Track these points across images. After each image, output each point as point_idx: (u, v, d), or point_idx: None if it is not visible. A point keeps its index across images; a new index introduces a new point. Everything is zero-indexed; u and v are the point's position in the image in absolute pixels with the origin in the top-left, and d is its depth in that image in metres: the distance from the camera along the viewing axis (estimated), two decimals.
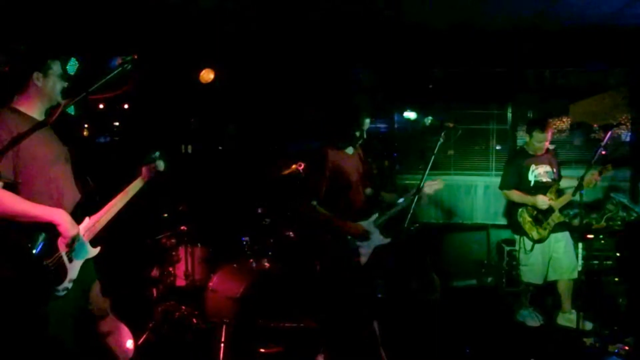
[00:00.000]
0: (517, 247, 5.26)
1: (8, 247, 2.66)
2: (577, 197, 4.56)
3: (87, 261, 3.00)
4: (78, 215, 2.92)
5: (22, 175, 2.68)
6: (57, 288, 2.77)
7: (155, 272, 5.00)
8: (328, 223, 3.81)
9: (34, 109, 2.83)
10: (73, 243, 2.82)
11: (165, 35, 5.91)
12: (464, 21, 5.62)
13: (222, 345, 4.24)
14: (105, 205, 3.13)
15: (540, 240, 5.07)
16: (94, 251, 3.04)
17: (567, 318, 5.12)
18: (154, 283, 4.99)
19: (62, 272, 2.79)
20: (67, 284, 2.81)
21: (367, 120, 3.96)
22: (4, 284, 2.64)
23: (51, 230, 2.73)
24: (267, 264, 4.78)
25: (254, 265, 4.76)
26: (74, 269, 2.86)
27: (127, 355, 3.69)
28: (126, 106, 5.83)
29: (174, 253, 5.00)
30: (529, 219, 5.09)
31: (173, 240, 4.99)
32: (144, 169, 3.39)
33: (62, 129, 4.52)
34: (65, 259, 2.80)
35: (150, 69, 4.76)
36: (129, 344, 3.72)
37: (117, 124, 5.93)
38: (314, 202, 3.80)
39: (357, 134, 3.93)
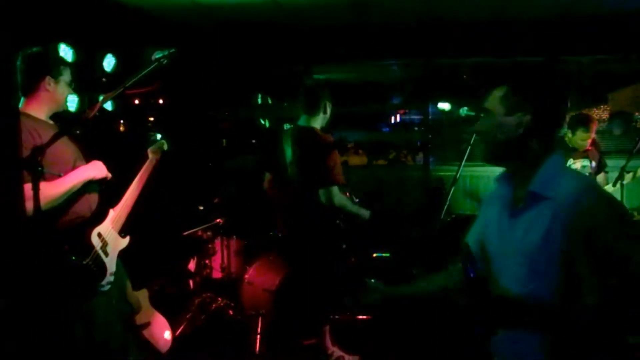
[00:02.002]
0: None
1: (48, 259, 2.65)
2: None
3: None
4: (102, 210, 2.97)
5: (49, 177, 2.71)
6: (100, 283, 2.81)
7: (192, 265, 5.07)
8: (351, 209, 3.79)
9: (41, 114, 2.83)
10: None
11: (198, 32, 5.97)
12: (497, 10, 5.53)
13: (259, 336, 4.27)
14: (123, 195, 3.16)
15: None
16: (124, 241, 3.06)
17: None
18: (191, 275, 5.06)
19: (103, 267, 2.83)
20: (110, 277, 2.85)
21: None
22: (53, 290, 2.69)
23: (80, 230, 2.79)
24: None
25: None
26: (112, 262, 2.90)
27: (166, 346, 3.76)
28: (161, 101, 5.88)
29: (210, 246, 5.06)
30: None
31: (209, 233, 5.04)
32: (150, 152, 3.42)
33: (99, 124, 4.61)
34: (101, 253, 2.83)
35: (185, 63, 4.80)
36: (167, 335, 3.79)
37: (152, 119, 5.99)
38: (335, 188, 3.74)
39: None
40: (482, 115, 1.83)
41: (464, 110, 3.71)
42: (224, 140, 7.08)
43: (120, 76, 4.59)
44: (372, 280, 2.12)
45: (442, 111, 6.54)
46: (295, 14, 5.62)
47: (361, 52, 6.52)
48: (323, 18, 5.79)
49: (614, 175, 4.83)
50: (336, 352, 4.02)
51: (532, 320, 1.60)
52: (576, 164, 5.01)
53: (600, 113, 6.67)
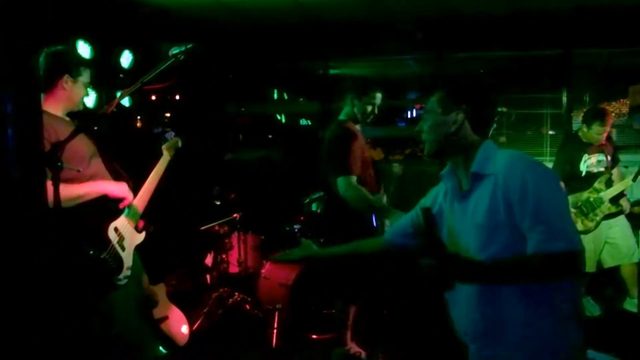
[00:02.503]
0: None
1: (66, 252, 2.67)
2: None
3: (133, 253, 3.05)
4: (118, 206, 2.97)
5: (66, 173, 2.74)
6: (118, 277, 2.83)
7: (209, 260, 5.11)
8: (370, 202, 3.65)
9: (58, 111, 2.85)
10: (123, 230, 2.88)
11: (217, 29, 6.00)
12: (513, 3, 5.48)
13: (275, 331, 4.29)
14: (138, 191, 3.16)
15: (586, 232, 4.88)
16: (140, 236, 3.08)
17: (635, 303, 4.95)
18: (208, 270, 5.10)
19: (119, 261, 2.85)
20: (126, 271, 2.88)
21: (379, 95, 3.80)
22: (71, 285, 2.73)
23: (97, 224, 2.81)
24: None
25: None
26: (128, 257, 2.92)
27: (183, 340, 3.79)
28: (178, 97, 5.92)
29: (226, 240, 5.09)
30: (573, 210, 4.89)
31: (226, 228, 5.07)
32: (164, 149, 3.42)
33: (117, 120, 4.65)
34: (118, 248, 2.85)
35: (202, 59, 4.83)
36: (184, 329, 3.82)
37: (168, 115, 6.03)
38: (354, 179, 3.61)
39: (369, 108, 3.79)
40: (423, 116, 2.08)
41: None
42: (241, 136, 7.13)
43: (137, 72, 4.63)
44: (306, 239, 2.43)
45: None
46: (312, 10, 5.62)
47: (377, 47, 6.50)
48: (340, 14, 5.78)
49: (634, 170, 4.77)
50: (353, 347, 4.02)
51: (487, 269, 1.82)
52: (591, 159, 4.93)
53: (620, 107, 6.59)
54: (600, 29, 5.96)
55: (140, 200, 3.11)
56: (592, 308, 5.04)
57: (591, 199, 4.85)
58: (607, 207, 4.84)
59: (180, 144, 3.53)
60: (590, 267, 5.00)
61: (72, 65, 2.90)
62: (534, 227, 1.75)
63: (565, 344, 1.87)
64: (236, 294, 4.80)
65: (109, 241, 2.81)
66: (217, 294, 4.80)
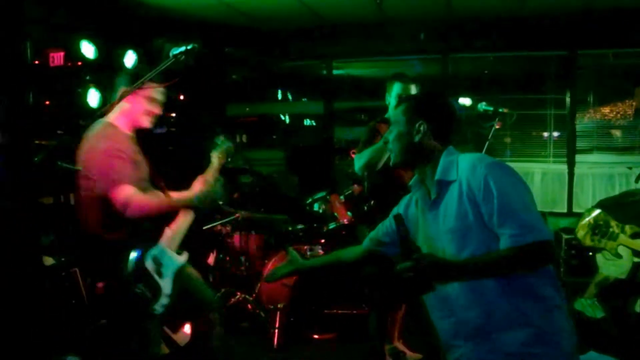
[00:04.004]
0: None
1: (104, 272, 2.75)
2: None
3: None
4: (158, 230, 2.91)
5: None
6: (154, 307, 2.77)
7: (211, 259, 5.11)
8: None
9: (124, 128, 2.88)
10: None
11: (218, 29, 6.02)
12: (517, 4, 5.47)
13: (277, 330, 4.30)
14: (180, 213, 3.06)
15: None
16: (181, 259, 2.97)
17: None
18: (210, 270, 5.10)
19: (156, 290, 2.77)
20: (164, 300, 2.80)
21: (412, 87, 3.72)
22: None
23: (138, 249, 2.76)
24: (320, 251, 4.81)
25: (308, 252, 4.79)
26: (167, 284, 2.83)
27: (185, 340, 3.80)
28: (182, 97, 5.93)
29: (229, 240, 5.10)
30: None
31: (228, 228, 5.08)
32: (214, 157, 3.26)
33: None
34: (155, 277, 2.78)
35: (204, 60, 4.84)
36: (186, 328, 3.83)
37: (173, 115, 6.05)
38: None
39: (387, 102, 3.78)
40: (390, 128, 2.21)
41: (482, 106, 3.68)
42: (245, 136, 7.14)
43: (141, 72, 4.64)
44: (292, 250, 2.49)
45: (463, 106, 6.49)
46: (315, 10, 5.63)
47: (381, 48, 6.50)
48: (344, 14, 5.79)
49: (637, 171, 4.76)
50: (399, 346, 4.04)
51: (463, 267, 1.88)
52: None
53: (625, 108, 6.55)
54: (605, 29, 5.95)
55: (183, 221, 3.02)
56: (596, 310, 5.02)
57: (611, 229, 4.74)
58: (611, 246, 4.74)
59: (233, 150, 3.38)
60: (621, 273, 4.94)
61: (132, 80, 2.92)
62: (503, 223, 1.84)
63: (555, 328, 1.92)
64: (238, 293, 4.80)
65: (145, 272, 2.75)
66: (219, 293, 4.80)
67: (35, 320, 3.24)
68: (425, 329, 4.31)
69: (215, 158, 3.24)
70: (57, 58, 4.26)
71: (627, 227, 4.70)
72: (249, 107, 7.34)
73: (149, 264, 2.78)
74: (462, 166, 1.99)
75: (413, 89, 3.72)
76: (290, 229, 5.19)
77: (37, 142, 3.56)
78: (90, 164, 2.72)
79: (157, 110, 2.97)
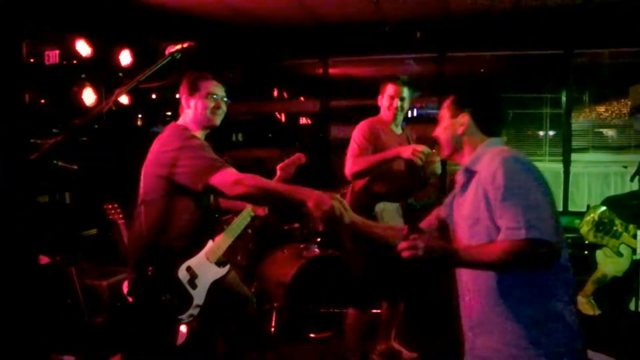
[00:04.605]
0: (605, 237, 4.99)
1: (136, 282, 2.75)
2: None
3: None
4: (200, 241, 2.90)
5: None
6: (180, 317, 2.76)
7: None
8: None
9: (194, 131, 2.88)
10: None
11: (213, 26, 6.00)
12: (513, 2, 5.48)
13: (272, 329, 4.31)
14: (230, 222, 3.10)
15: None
16: (221, 271, 2.95)
17: None
18: None
19: (186, 300, 2.76)
20: (193, 310, 2.79)
21: (405, 90, 3.70)
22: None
23: (170, 262, 2.75)
24: (316, 250, 4.81)
25: (303, 251, 4.79)
26: (200, 294, 2.81)
27: (180, 338, 3.80)
28: (177, 95, 5.92)
29: None
30: None
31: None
32: (279, 169, 3.25)
33: (116, 118, 4.64)
34: (187, 287, 2.76)
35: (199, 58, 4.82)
36: (182, 327, 3.83)
37: (169, 113, 6.04)
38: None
39: (379, 104, 3.75)
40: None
41: None
42: (241, 135, 7.13)
43: (137, 71, 4.64)
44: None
45: None
46: (313, 8, 5.63)
47: (377, 46, 6.50)
48: (340, 12, 5.78)
49: (632, 170, 4.76)
50: (396, 345, 4.05)
51: (459, 254, 1.92)
52: None
53: (620, 107, 6.57)
54: (600, 28, 5.96)
55: (229, 235, 3.04)
56: (592, 308, 5.03)
57: (615, 228, 4.77)
58: (613, 244, 4.80)
59: (304, 160, 3.29)
60: (619, 272, 4.96)
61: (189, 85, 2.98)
62: (502, 216, 1.89)
63: (554, 321, 1.94)
64: None
65: (177, 281, 2.73)
66: None
67: (31, 320, 3.23)
68: (422, 329, 4.37)
69: (281, 171, 3.24)
70: (53, 56, 4.26)
71: (631, 227, 4.74)
72: (245, 106, 7.34)
73: (182, 274, 2.75)
74: (486, 161, 2.04)
75: (406, 91, 3.71)
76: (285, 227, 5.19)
77: (32, 140, 3.55)
78: (170, 157, 2.67)
79: (219, 104, 2.93)
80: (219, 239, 3.00)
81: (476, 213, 1.99)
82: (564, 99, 6.49)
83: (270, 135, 7.57)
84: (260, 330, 4.38)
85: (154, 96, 5.69)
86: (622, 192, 4.96)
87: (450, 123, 2.19)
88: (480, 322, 2.03)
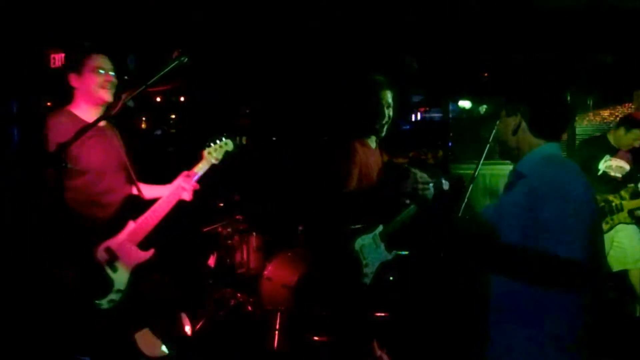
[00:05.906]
0: None
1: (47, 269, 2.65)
2: None
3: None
4: (119, 222, 2.84)
5: (73, 181, 2.69)
6: (99, 302, 2.67)
7: (211, 261, 5.11)
8: None
9: (83, 111, 2.86)
10: None
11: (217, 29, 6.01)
12: (519, 5, 5.48)
13: (277, 332, 4.30)
14: (152, 205, 3.00)
15: None
16: (143, 255, 2.87)
17: None
18: (211, 271, 5.10)
19: (105, 283, 2.69)
20: (113, 295, 2.70)
21: (389, 94, 3.50)
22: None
23: (86, 242, 2.69)
24: None
25: (309, 254, 4.79)
26: (121, 277, 2.74)
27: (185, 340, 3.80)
28: (182, 99, 5.95)
29: (229, 242, 5.09)
30: None
31: (229, 229, 5.08)
32: (205, 153, 3.24)
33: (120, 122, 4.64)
34: (107, 269, 2.71)
35: (205, 62, 4.84)
36: (187, 330, 3.84)
37: (173, 116, 6.06)
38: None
39: (382, 113, 3.50)
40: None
41: (483, 108, 3.69)
42: (244, 137, 7.14)
43: (143, 75, 4.66)
44: None
45: (463, 109, 6.51)
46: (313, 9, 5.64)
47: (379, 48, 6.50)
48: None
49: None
50: (383, 356, 4.03)
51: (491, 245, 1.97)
52: (612, 162, 4.80)
53: (625, 111, 6.57)
54: (605, 32, 5.95)
55: (151, 216, 2.94)
56: None
57: (613, 204, 4.84)
58: (623, 216, 4.84)
59: (231, 147, 3.26)
60: (625, 264, 4.97)
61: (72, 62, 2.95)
62: (540, 231, 1.84)
63: (568, 321, 1.93)
64: (238, 295, 4.81)
65: (95, 262, 2.67)
66: (219, 295, 4.81)
67: (42, 320, 3.22)
68: (410, 337, 4.34)
69: (208, 155, 3.20)
70: (58, 59, 4.28)
71: (623, 192, 4.76)
72: (249, 108, 7.35)
73: (101, 255, 2.69)
74: (536, 167, 1.99)
75: (389, 95, 3.54)
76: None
77: None
78: None
79: (110, 78, 2.94)
80: (142, 219, 2.90)
81: (510, 218, 1.98)
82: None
83: (274, 138, 7.57)
84: (263, 335, 4.39)
85: (158, 99, 5.72)
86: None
87: (503, 123, 2.12)
88: (503, 308, 2.03)
